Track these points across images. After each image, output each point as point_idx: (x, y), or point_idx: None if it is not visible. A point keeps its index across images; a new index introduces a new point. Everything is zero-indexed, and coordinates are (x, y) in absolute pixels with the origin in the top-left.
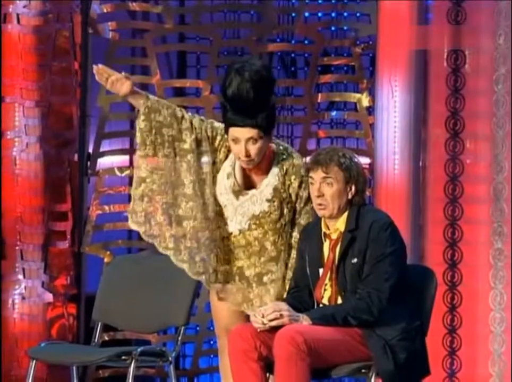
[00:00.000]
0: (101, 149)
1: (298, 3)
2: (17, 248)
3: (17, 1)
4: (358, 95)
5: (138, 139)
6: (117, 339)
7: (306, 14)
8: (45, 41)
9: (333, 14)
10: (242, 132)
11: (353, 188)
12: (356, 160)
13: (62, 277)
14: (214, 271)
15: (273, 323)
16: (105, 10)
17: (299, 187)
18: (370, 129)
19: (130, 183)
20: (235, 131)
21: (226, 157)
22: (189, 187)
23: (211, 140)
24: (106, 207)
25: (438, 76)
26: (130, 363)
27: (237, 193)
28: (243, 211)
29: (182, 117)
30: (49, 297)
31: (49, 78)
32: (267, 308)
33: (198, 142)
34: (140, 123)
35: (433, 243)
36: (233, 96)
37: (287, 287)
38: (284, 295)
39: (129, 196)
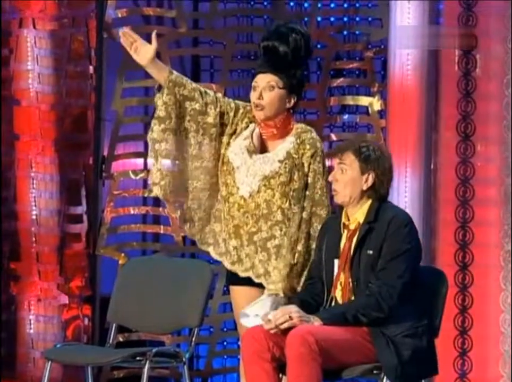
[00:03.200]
0: (116, 153)
1: (311, 8)
2: (32, 250)
3: (33, 6)
4: (370, 99)
5: (162, 113)
6: (131, 340)
7: (319, 19)
8: (61, 45)
9: (345, 19)
10: (263, 78)
11: (369, 179)
12: (379, 153)
13: (77, 279)
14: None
15: (284, 325)
16: (120, 15)
17: (312, 157)
18: (382, 133)
19: (144, 186)
20: (257, 78)
21: (247, 127)
22: (210, 160)
23: (234, 112)
24: (121, 210)
25: (449, 80)
26: (145, 363)
27: (251, 153)
28: (254, 171)
29: (206, 92)
30: (64, 298)
31: (64, 82)
32: (277, 313)
33: (221, 115)
34: (164, 97)
35: (444, 245)
36: (267, 48)
37: (295, 259)
38: (287, 264)
39: (144, 198)
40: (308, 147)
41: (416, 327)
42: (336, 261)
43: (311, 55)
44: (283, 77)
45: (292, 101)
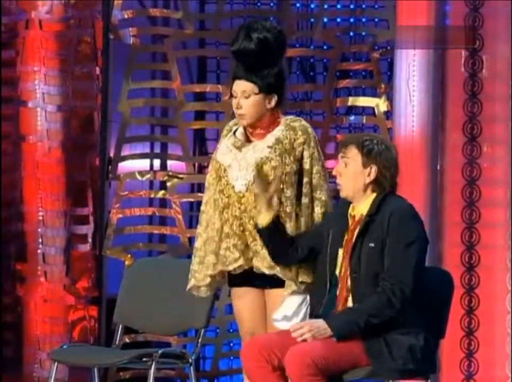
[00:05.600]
0: (122, 154)
1: (317, 9)
2: (39, 251)
3: (40, 7)
4: (376, 100)
5: None
6: (137, 341)
7: (325, 20)
8: (67, 47)
9: (351, 20)
10: (238, 85)
11: (372, 173)
12: (382, 147)
13: (84, 280)
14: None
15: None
16: (126, 16)
17: (305, 143)
18: (388, 134)
19: (150, 187)
20: (234, 85)
21: (229, 130)
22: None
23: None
24: (127, 211)
25: (456, 81)
26: (151, 364)
27: (240, 147)
28: (246, 163)
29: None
30: (70, 300)
31: (70, 83)
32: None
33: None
34: None
35: (450, 246)
36: (236, 52)
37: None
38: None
39: (150, 199)
40: (300, 133)
41: (413, 326)
42: (340, 251)
43: (284, 49)
44: (257, 80)
45: (274, 100)
